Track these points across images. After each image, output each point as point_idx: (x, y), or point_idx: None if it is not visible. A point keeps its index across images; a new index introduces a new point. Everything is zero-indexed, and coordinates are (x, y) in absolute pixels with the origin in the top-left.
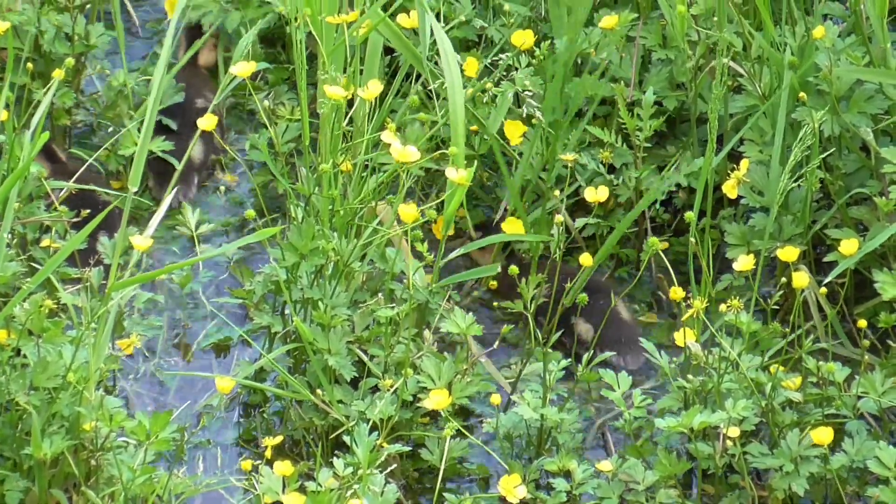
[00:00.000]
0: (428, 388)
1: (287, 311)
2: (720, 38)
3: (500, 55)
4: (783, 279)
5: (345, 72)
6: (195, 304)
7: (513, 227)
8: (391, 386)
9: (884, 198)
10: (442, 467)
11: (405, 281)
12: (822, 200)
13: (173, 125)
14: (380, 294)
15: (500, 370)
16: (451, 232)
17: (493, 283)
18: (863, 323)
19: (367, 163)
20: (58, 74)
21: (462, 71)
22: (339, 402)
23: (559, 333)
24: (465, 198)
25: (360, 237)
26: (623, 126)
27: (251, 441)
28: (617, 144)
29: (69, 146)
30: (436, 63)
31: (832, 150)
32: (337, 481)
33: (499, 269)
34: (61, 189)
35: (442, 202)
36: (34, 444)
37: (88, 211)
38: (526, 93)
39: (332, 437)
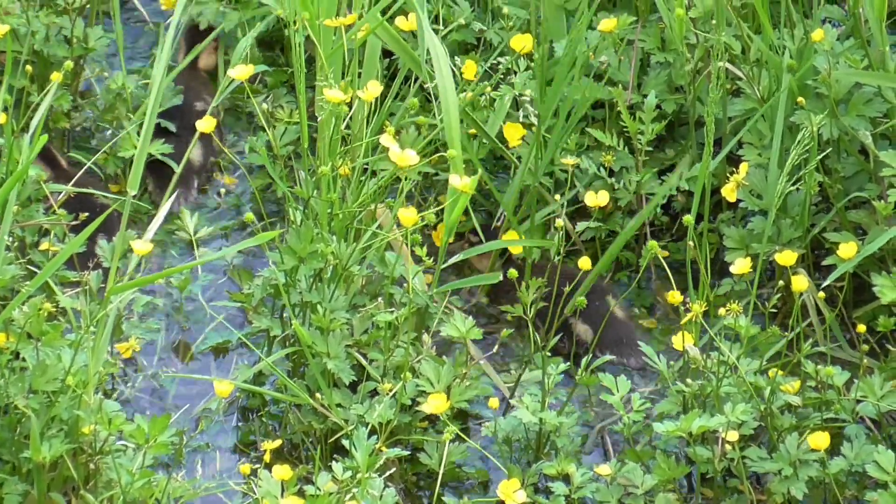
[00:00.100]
0: (427, 392)
1: (286, 315)
2: (718, 42)
3: (499, 58)
4: (782, 283)
5: (343, 75)
6: (194, 307)
7: (512, 238)
8: (390, 390)
9: (882, 201)
10: (441, 471)
11: (405, 285)
12: (820, 204)
13: (172, 127)
14: (379, 298)
15: (499, 374)
16: (450, 238)
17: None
18: (862, 327)
19: (365, 166)
20: (56, 77)
21: (461, 74)
22: (338, 405)
23: (558, 337)
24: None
25: (359, 241)
26: (624, 129)
27: (250, 445)
28: (619, 148)
29: (68, 149)
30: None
31: (828, 151)
32: (336, 485)
33: (501, 278)
34: (60, 192)
35: (442, 206)
36: (33, 448)
37: (87, 214)
38: (523, 97)
39: (330, 440)
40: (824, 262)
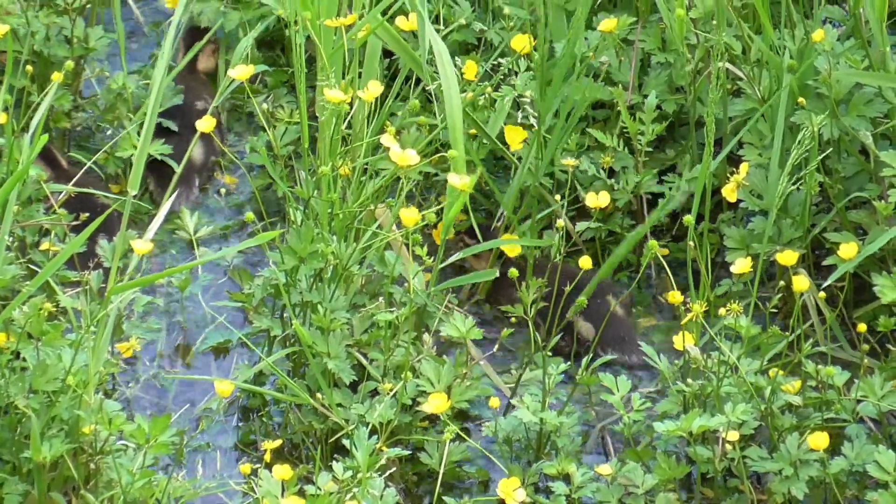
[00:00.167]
0: (427, 392)
1: (286, 315)
2: (719, 42)
3: (500, 59)
4: (782, 283)
5: (344, 75)
6: (194, 307)
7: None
8: (390, 389)
9: (883, 201)
10: (441, 471)
11: (405, 284)
12: (821, 204)
13: (174, 126)
14: (380, 298)
15: (499, 374)
16: (450, 236)
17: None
18: (862, 327)
19: (366, 166)
20: (57, 77)
21: (461, 74)
22: (339, 405)
23: (558, 337)
24: (467, 202)
25: (360, 241)
26: (624, 130)
27: (250, 444)
28: (619, 149)
29: (68, 149)
30: (436, 67)
31: (829, 151)
32: (336, 485)
33: (497, 274)
34: (60, 192)
35: (441, 206)
36: (33, 448)
37: (88, 214)
38: (523, 98)
39: (331, 440)
40: (825, 263)
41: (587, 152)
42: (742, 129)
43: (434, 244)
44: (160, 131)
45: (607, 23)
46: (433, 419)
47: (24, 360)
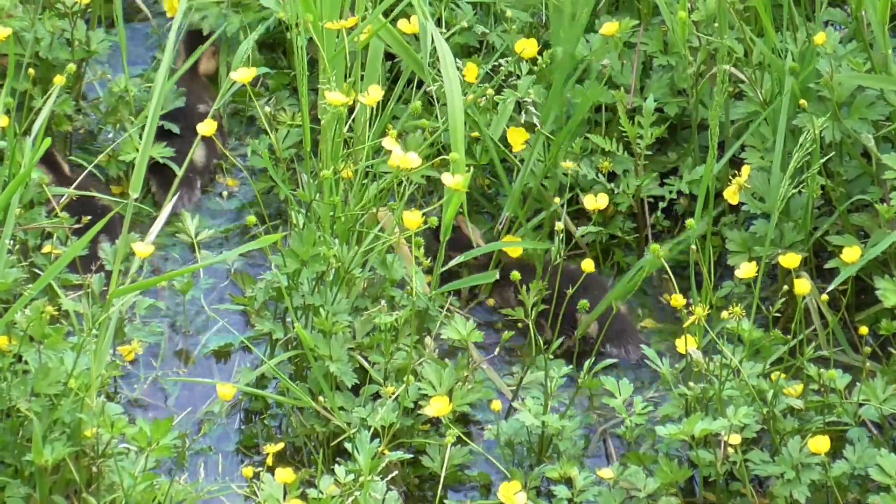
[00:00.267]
0: (429, 395)
1: (288, 318)
2: (721, 45)
3: (501, 61)
4: (784, 286)
5: (346, 78)
6: (196, 310)
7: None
8: (392, 393)
9: (885, 204)
10: (443, 474)
11: (406, 287)
12: (823, 207)
13: (176, 129)
14: (382, 301)
15: (501, 377)
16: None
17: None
18: (864, 330)
19: (368, 169)
20: (59, 81)
21: (463, 77)
22: (341, 408)
23: (561, 339)
24: (466, 205)
25: (362, 244)
26: (624, 133)
27: (252, 448)
28: (618, 153)
29: (70, 152)
30: (437, 69)
31: (831, 155)
32: (338, 488)
33: (497, 276)
34: (62, 195)
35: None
36: (35, 451)
37: (90, 217)
38: (526, 100)
39: (333, 443)
40: (827, 266)
41: (589, 156)
42: (744, 131)
43: (435, 246)
44: (162, 134)
45: (609, 26)
46: (435, 422)
47: (26, 363)
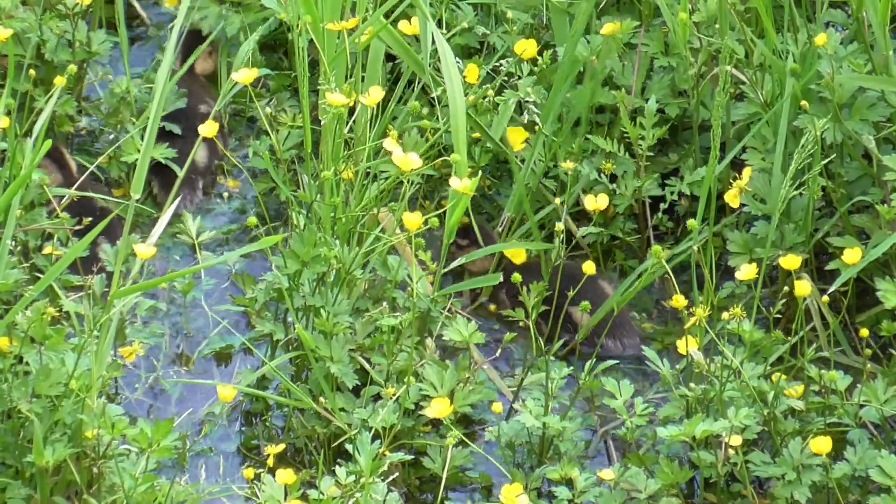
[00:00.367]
0: (430, 397)
1: (289, 319)
2: (725, 46)
3: (502, 62)
4: (785, 287)
5: (347, 79)
6: (197, 311)
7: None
8: (393, 394)
9: (886, 205)
10: (444, 476)
11: (408, 289)
12: (824, 208)
13: (177, 129)
14: (384, 303)
15: (502, 378)
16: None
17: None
18: (865, 331)
19: (368, 170)
20: (60, 81)
21: (463, 78)
22: (342, 410)
23: (562, 342)
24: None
25: (362, 245)
26: (625, 134)
27: (253, 449)
28: (619, 154)
29: (71, 153)
30: (437, 70)
31: (833, 157)
32: (339, 489)
33: (500, 279)
34: (63, 196)
35: (444, 210)
36: (36, 452)
37: (91, 219)
38: (527, 100)
39: (334, 445)
40: (827, 267)
41: (590, 156)
42: (745, 133)
43: (436, 248)
44: (164, 135)
45: (610, 27)
46: (436, 423)
47: (28, 364)
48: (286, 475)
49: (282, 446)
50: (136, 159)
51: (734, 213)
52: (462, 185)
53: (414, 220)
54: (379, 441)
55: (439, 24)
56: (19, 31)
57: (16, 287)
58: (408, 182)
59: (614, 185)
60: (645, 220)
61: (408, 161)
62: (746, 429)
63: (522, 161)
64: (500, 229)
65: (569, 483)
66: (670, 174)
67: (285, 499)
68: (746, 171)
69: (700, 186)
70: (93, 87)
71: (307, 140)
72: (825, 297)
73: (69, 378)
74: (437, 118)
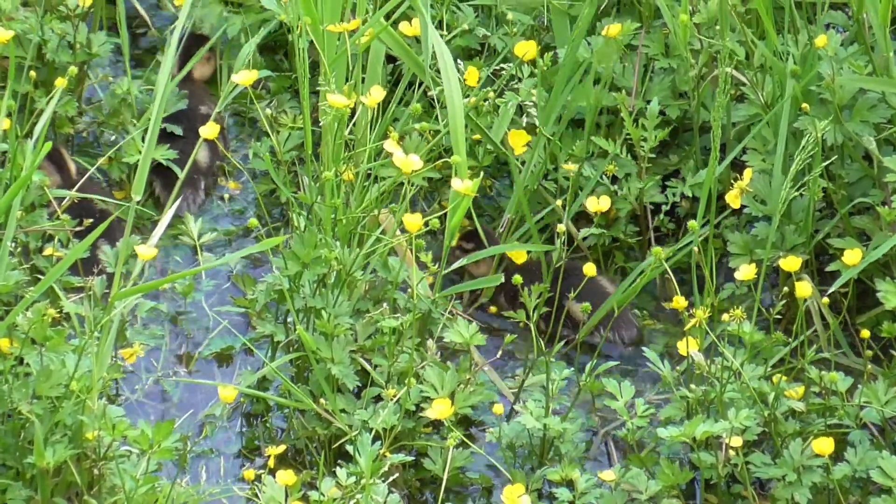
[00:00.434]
0: (431, 398)
1: (290, 320)
2: (725, 47)
3: (503, 64)
4: (786, 289)
5: (347, 80)
6: (198, 313)
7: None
8: (394, 395)
9: (886, 207)
10: (445, 477)
11: (409, 290)
12: (824, 210)
13: (178, 131)
14: (384, 304)
15: (503, 379)
16: (454, 243)
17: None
18: (865, 333)
19: (369, 171)
20: (60, 83)
21: (464, 80)
22: (342, 411)
23: (563, 342)
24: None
25: (363, 246)
26: (627, 136)
27: (254, 450)
28: (622, 155)
29: (72, 155)
30: (438, 71)
31: (833, 158)
32: (339, 491)
33: (502, 279)
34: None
35: (444, 211)
36: (37, 453)
37: (91, 220)
38: (528, 102)
39: (334, 446)
40: (828, 268)
41: (592, 158)
42: (745, 134)
43: (437, 249)
44: (165, 136)
45: (611, 28)
46: (437, 425)
47: (28, 365)
48: (287, 476)
49: (282, 447)
50: (138, 160)
51: (732, 212)
52: (463, 186)
53: (414, 221)
54: (379, 442)
55: (440, 26)
56: (20, 33)
57: (16, 288)
58: (408, 183)
59: (615, 187)
60: (646, 222)
61: (409, 163)
62: (747, 430)
63: (523, 164)
64: (500, 230)
65: (569, 484)
66: (671, 175)
67: (286, 500)
68: (747, 173)
69: (701, 188)
70: (93, 88)
71: (308, 141)
72: (825, 299)
73: (70, 379)
74: (438, 119)
